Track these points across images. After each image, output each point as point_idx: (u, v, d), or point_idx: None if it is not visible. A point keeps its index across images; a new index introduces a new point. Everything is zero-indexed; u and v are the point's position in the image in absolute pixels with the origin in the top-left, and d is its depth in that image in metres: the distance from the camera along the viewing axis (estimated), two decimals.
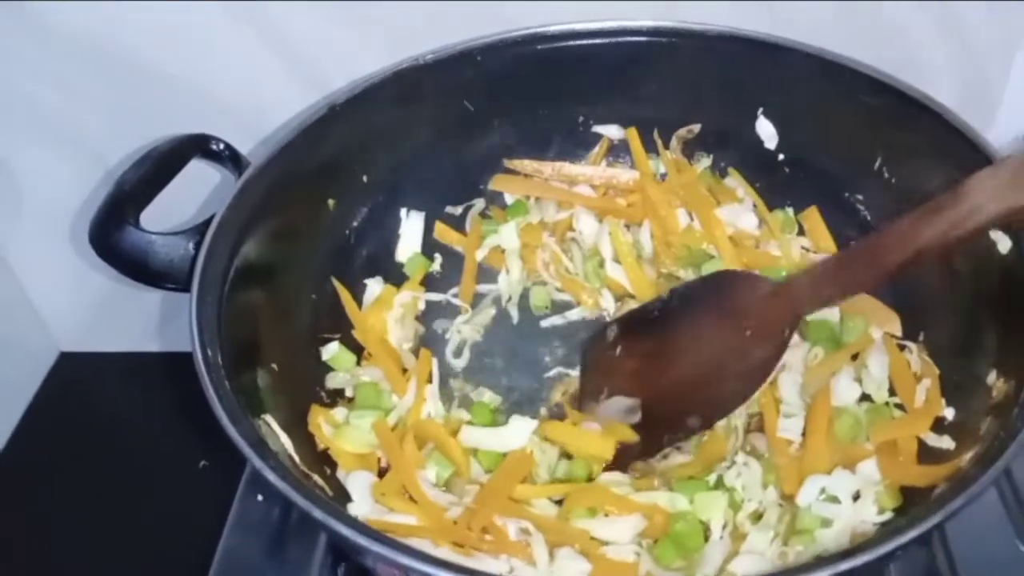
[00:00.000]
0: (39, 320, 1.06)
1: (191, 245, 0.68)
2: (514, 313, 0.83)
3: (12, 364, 1.05)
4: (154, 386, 1.06)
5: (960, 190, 0.59)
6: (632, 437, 0.70)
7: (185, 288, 0.66)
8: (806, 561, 0.54)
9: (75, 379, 1.08)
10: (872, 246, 0.65)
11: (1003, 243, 0.64)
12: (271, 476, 0.53)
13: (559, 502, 0.67)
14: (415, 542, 0.58)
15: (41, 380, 1.07)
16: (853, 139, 0.76)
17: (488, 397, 0.77)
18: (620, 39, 0.79)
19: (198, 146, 0.75)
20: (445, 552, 0.60)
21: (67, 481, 0.98)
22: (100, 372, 1.08)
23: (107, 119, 0.88)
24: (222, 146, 0.76)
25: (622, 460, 0.70)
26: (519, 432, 0.69)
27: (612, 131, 0.85)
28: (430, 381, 0.75)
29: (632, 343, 0.75)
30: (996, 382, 0.61)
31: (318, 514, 0.51)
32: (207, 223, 0.69)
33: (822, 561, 0.48)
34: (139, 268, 0.68)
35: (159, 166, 0.72)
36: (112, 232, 0.68)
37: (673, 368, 0.72)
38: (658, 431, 0.70)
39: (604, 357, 0.77)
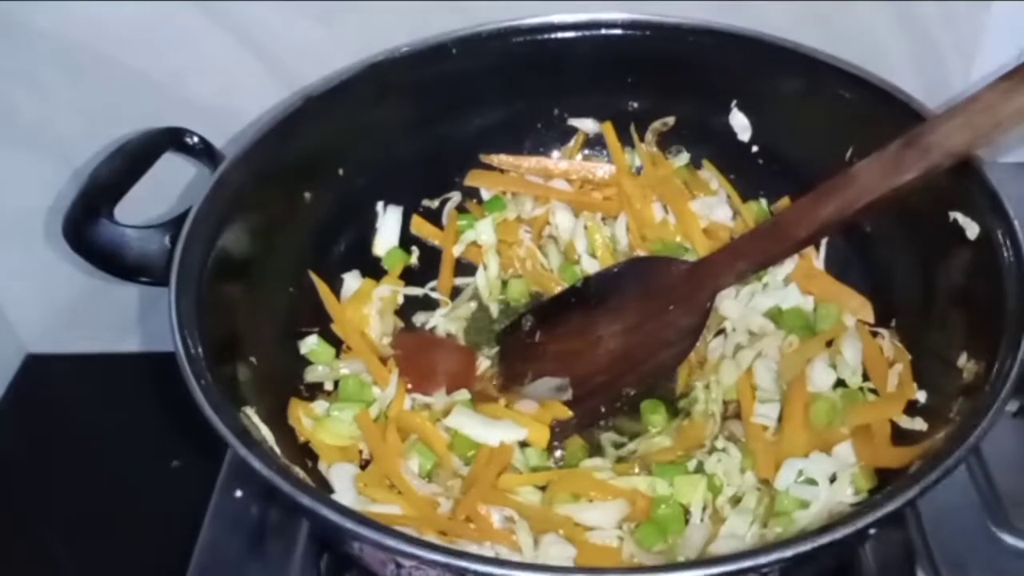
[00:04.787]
0: (6, 321, 1.04)
1: (167, 239, 0.67)
2: (493, 308, 0.83)
3: None
4: (122, 387, 1.04)
5: (851, 173, 0.66)
6: (566, 414, 0.72)
7: (160, 282, 0.65)
8: (787, 536, 0.55)
9: (42, 380, 1.06)
10: (779, 223, 0.72)
11: (971, 229, 0.65)
12: (257, 464, 0.52)
13: (543, 488, 0.67)
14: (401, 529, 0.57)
15: (8, 381, 1.05)
16: (824, 130, 0.77)
17: None
18: (595, 32, 0.79)
19: (172, 139, 0.74)
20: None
21: (35, 484, 0.96)
22: (68, 374, 1.07)
23: (76, 118, 0.87)
24: (196, 139, 0.75)
25: (563, 433, 0.72)
26: (506, 432, 0.69)
27: (587, 124, 0.86)
28: None
29: (551, 328, 0.78)
30: (967, 364, 0.62)
31: (306, 501, 0.50)
32: (183, 217, 0.67)
33: (804, 536, 0.49)
34: (114, 262, 0.67)
35: (132, 159, 0.70)
36: (86, 226, 0.66)
37: (600, 345, 0.76)
38: (594, 402, 0.73)
39: (523, 344, 0.78)
